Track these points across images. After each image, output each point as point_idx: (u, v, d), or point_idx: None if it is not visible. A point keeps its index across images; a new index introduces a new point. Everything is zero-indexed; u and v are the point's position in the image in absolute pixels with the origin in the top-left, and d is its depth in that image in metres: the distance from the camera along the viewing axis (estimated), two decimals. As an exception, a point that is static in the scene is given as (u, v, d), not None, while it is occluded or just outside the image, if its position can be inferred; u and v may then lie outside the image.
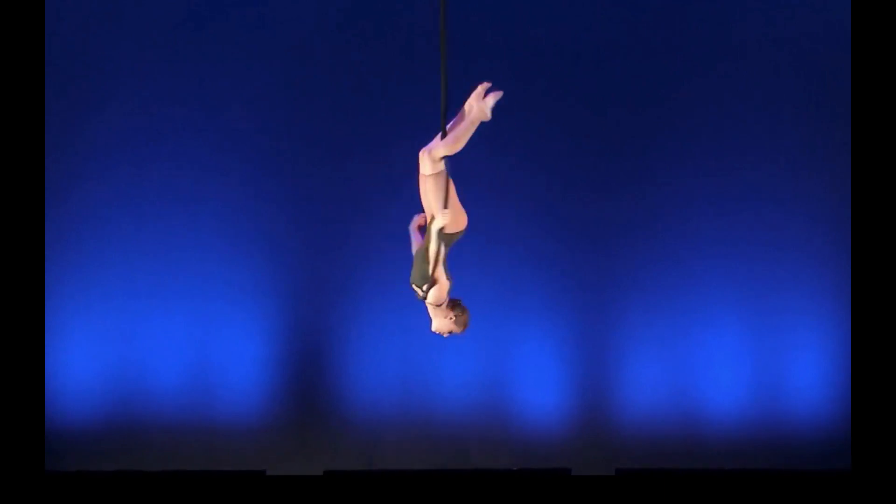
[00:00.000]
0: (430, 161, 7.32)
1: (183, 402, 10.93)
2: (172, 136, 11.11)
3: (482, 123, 7.36)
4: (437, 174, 7.34)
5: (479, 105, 7.38)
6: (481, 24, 11.22)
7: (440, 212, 7.34)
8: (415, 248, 7.56)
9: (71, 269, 10.93)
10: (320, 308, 11.09)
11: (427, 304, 7.47)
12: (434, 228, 7.35)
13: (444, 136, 7.31)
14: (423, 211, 7.55)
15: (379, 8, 11.26)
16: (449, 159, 7.34)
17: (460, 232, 7.47)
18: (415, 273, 7.45)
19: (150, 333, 10.96)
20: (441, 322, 7.50)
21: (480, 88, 7.40)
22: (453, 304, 7.49)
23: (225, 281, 11.02)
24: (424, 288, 7.39)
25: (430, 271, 7.34)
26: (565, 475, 10.10)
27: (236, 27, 11.19)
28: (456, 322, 7.49)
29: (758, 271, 11.18)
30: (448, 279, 7.40)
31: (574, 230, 11.20)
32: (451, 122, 7.41)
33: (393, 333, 11.01)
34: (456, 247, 7.54)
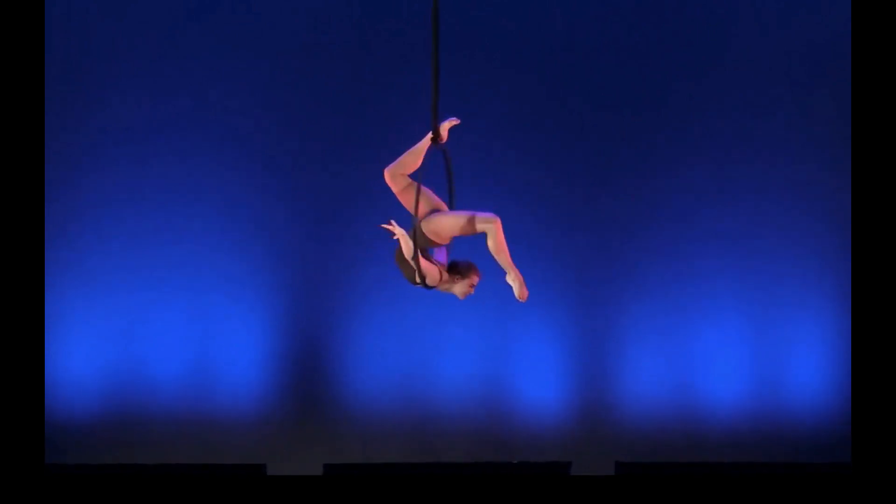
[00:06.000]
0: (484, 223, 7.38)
1: (182, 396, 10.93)
2: (173, 131, 11.10)
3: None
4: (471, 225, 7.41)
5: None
6: (482, 21, 11.21)
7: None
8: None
9: (71, 262, 10.92)
10: (320, 302, 11.08)
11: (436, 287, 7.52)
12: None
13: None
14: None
15: (379, 6, 11.25)
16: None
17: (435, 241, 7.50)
18: (407, 276, 7.48)
19: (150, 327, 10.96)
20: (455, 289, 7.51)
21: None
22: (451, 269, 7.49)
23: (225, 275, 11.02)
24: (420, 282, 7.42)
25: (417, 274, 7.37)
26: (566, 468, 10.10)
27: (238, 22, 11.19)
28: (464, 281, 7.48)
29: (758, 265, 11.18)
30: (435, 265, 7.40)
31: (574, 223, 11.19)
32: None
33: (392, 327, 11.01)
34: (456, 241, 7.55)
